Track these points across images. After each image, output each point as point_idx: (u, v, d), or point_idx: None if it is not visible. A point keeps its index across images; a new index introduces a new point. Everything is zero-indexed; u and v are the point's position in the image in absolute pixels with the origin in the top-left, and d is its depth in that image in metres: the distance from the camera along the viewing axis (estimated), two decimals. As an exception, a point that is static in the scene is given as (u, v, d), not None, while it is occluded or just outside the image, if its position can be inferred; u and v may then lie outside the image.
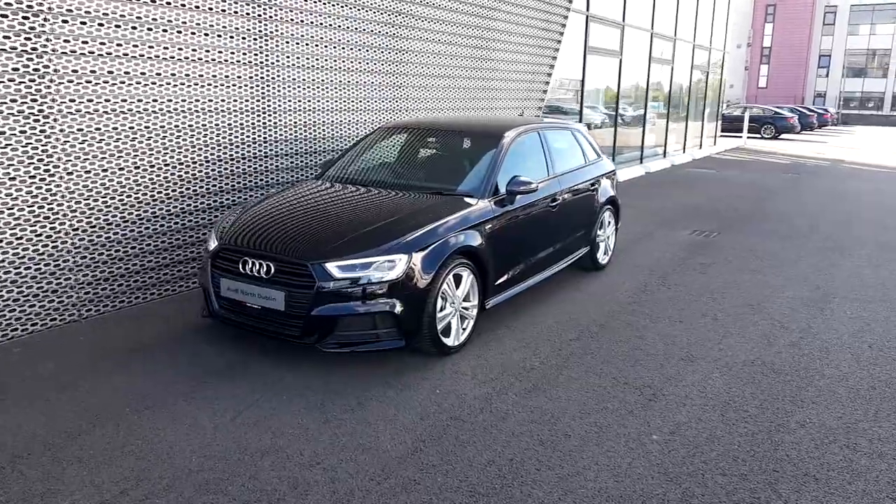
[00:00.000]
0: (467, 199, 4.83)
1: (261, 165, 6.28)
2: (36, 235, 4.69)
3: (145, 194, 5.35)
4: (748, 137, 28.26)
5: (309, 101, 6.64)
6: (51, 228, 4.78)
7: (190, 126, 5.58)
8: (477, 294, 4.70)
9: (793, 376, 4.30)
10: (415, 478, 3.13)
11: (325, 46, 6.73)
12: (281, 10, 6.18)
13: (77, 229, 4.94)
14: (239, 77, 5.89)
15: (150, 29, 5.14)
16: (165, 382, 4.04)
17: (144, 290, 5.46)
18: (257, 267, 4.18)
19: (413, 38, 7.95)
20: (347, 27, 6.95)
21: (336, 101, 6.96)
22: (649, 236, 8.49)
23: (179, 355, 4.44)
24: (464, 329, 4.61)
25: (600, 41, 14.07)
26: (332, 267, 4.05)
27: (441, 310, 4.33)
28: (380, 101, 7.60)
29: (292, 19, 6.32)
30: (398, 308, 4.10)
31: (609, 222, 6.84)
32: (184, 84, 5.47)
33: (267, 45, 6.10)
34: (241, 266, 4.26)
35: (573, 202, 5.97)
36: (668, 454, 3.36)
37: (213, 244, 4.55)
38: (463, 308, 4.56)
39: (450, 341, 4.47)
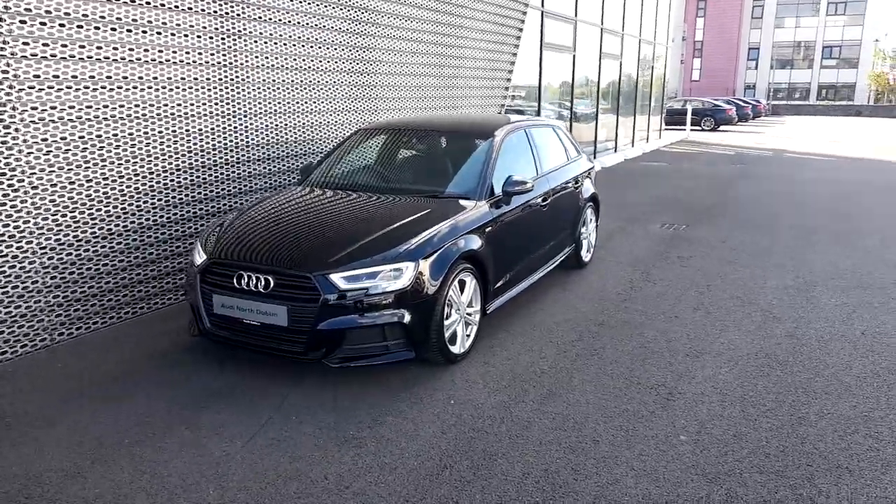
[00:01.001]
0: (464, 202, 4.70)
1: (233, 172, 6.00)
2: (1, 256, 4.34)
3: (115, 207, 5.03)
4: (690, 130, 28.96)
5: (279, 103, 6.39)
6: (17, 248, 4.44)
7: (160, 133, 5.28)
8: (479, 299, 4.58)
9: (798, 367, 4.33)
10: (451, 496, 3.00)
11: (294, 45, 6.49)
12: (248, 6, 5.93)
13: (45, 248, 4.60)
14: (207, 79, 5.61)
15: (113, 29, 4.83)
16: (162, 409, 3.78)
17: (118, 310, 5.14)
18: (254, 281, 3.96)
19: (379, 35, 7.76)
20: (314, 25, 6.72)
21: (306, 103, 6.73)
22: (622, 231, 8.53)
23: (170, 379, 4.18)
24: (468, 336, 4.48)
25: (555, 37, 14.12)
26: (337, 278, 3.87)
27: (447, 317, 4.19)
28: (350, 102, 7.38)
29: (259, 17, 6.06)
30: (407, 318, 3.95)
31: (591, 219, 6.82)
32: (151, 88, 5.16)
33: (235, 44, 5.83)
34: (235, 281, 4.02)
35: (560, 200, 5.91)
36: (700, 454, 3.31)
37: (199, 258, 4.30)
38: (467, 314, 4.44)
39: (456, 349, 4.34)
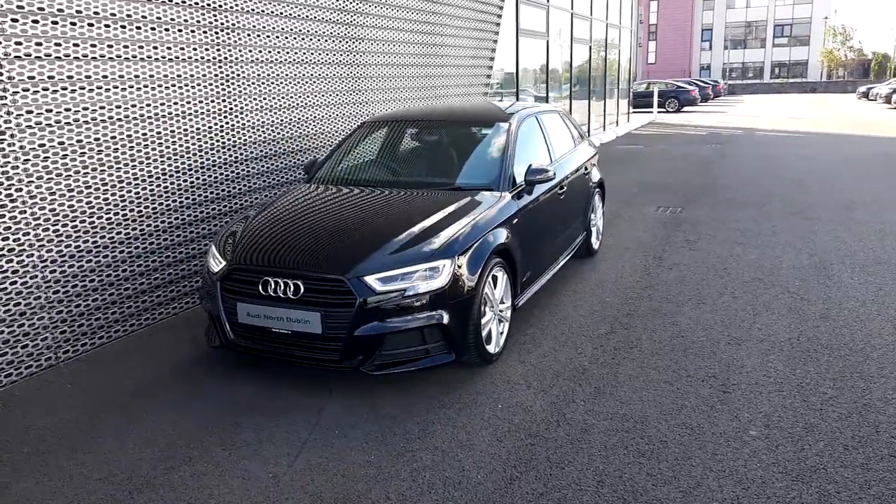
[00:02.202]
0: (487, 193, 4.47)
1: (232, 172, 5.66)
2: (0, 272, 3.98)
3: (117, 214, 4.67)
4: (650, 111, 29.10)
5: (273, 98, 6.05)
6: (18, 262, 4.07)
7: (158, 134, 4.92)
8: (510, 295, 4.36)
9: (845, 350, 4.22)
10: (529, 512, 2.78)
11: (286, 38, 6.15)
12: (241, -3, 5.57)
13: (46, 261, 4.23)
14: (203, 76, 5.25)
15: (107, 26, 4.45)
16: (190, 428, 3.48)
17: (124, 322, 4.79)
18: (282, 287, 3.66)
19: (365, 25, 7.43)
20: (302, 16, 6.37)
21: (298, 98, 6.39)
22: (619, 216, 8.39)
23: (192, 395, 3.87)
24: (501, 333, 4.26)
25: (530, 23, 13.91)
26: (372, 280, 3.60)
27: (483, 315, 3.96)
28: (340, 95, 7.05)
29: (251, 9, 5.71)
30: (446, 318, 3.71)
31: (598, 206, 6.65)
32: (148, 87, 4.80)
33: (228, 38, 5.47)
34: (261, 287, 3.72)
35: (574, 187, 5.72)
36: (776, 450, 3.15)
37: (218, 265, 3.98)
38: (500, 311, 4.21)
39: (492, 348, 4.12)
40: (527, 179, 4.69)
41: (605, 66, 20.87)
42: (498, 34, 11.21)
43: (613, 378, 3.95)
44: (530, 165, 4.75)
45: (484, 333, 3.98)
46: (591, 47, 18.92)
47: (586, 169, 6.21)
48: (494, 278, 4.12)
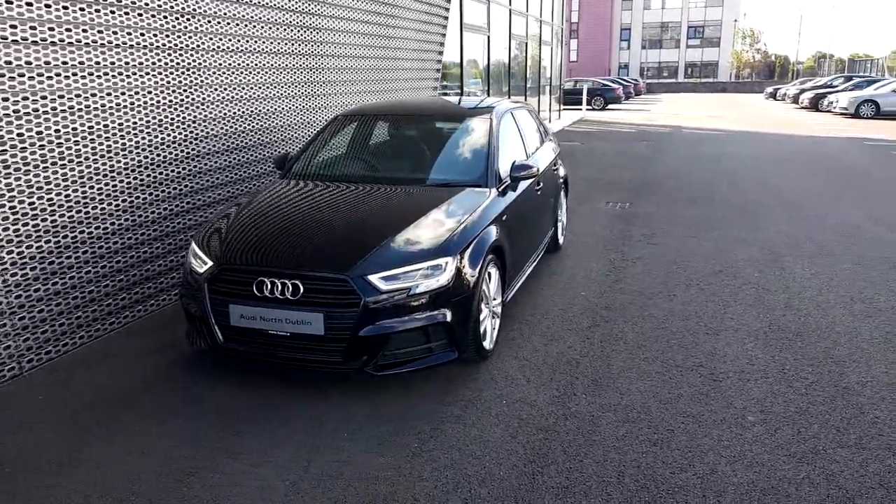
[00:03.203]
0: (476, 189, 4.48)
1: (194, 167, 5.44)
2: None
3: (79, 212, 4.41)
4: (579, 109, 29.83)
5: (235, 89, 5.85)
6: (-21, 265, 3.79)
7: (125, 124, 4.68)
8: (500, 291, 4.39)
9: (814, 337, 4.46)
10: (558, 506, 2.81)
11: (245, 25, 5.95)
12: (206, -14, 5.35)
13: (5, 262, 3.95)
14: (160, 64, 5.01)
15: (82, 8, 4.20)
16: (189, 438, 3.34)
17: (88, 327, 4.54)
18: (279, 287, 3.56)
19: (323, 14, 7.27)
20: (263, 3, 6.18)
21: (260, 88, 6.20)
22: (572, 211, 8.54)
23: (180, 402, 3.71)
24: (493, 329, 4.29)
25: (473, 18, 13.98)
26: (376, 279, 3.55)
27: (480, 312, 3.97)
28: (296, 87, 6.88)
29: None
30: (449, 316, 3.69)
31: (563, 201, 6.77)
32: (116, 75, 4.56)
33: (190, 24, 5.25)
34: (255, 288, 3.60)
35: (546, 183, 5.80)
36: (777, 435, 3.30)
37: (202, 265, 3.83)
38: (493, 307, 4.24)
39: (487, 345, 4.14)
40: (512, 175, 4.72)
41: (539, 63, 21.23)
42: (446, 28, 11.22)
43: (607, 370, 4.04)
44: (515, 161, 4.80)
45: (481, 330, 4.00)
46: (526, 44, 19.20)
47: (555, 164, 6.31)
48: (489, 275, 4.13)
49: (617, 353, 4.27)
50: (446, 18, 11.22)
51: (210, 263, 3.79)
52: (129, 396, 3.78)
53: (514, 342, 4.46)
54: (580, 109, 28.66)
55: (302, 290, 3.54)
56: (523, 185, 4.93)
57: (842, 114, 25.30)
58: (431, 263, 3.67)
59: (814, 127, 21.39)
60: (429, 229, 3.91)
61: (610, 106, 33.56)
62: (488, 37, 15.27)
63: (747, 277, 5.73)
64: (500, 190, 4.60)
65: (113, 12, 4.51)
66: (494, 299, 4.26)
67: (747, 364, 4.09)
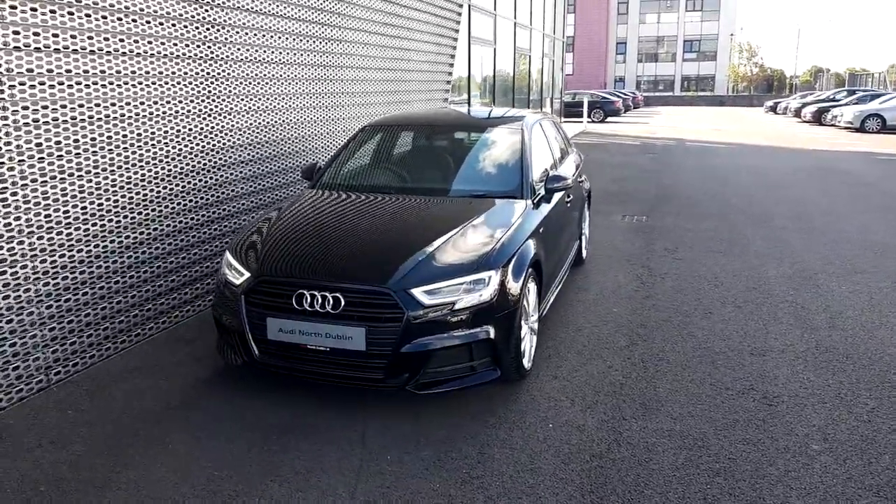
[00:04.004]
0: (513, 201, 4.30)
1: (221, 176, 5.23)
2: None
3: (110, 220, 4.24)
4: (581, 120, 29.76)
5: (259, 99, 5.66)
6: (11, 275, 3.58)
7: (153, 134, 4.48)
8: (537, 306, 4.19)
9: (865, 360, 4.28)
10: (626, 543, 2.61)
11: (271, 36, 5.77)
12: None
13: (38, 272, 3.75)
14: (185, 74, 4.82)
15: (88, 16, 4.01)
16: (228, 458, 3.14)
17: (115, 338, 4.34)
18: (319, 300, 3.36)
19: (338, 25, 7.09)
20: (283, 14, 6.00)
21: (279, 99, 6.01)
22: (590, 224, 8.37)
23: (218, 419, 3.51)
24: (531, 346, 4.09)
25: (480, 31, 13.86)
26: (419, 293, 3.35)
27: (521, 328, 3.78)
28: (315, 98, 6.69)
29: (239, 6, 5.32)
30: (492, 333, 3.50)
31: (586, 213, 6.59)
32: (139, 84, 4.36)
33: (216, 35, 5.06)
34: (295, 301, 3.40)
35: (574, 194, 5.62)
36: (847, 465, 3.11)
37: (238, 276, 3.63)
38: (531, 324, 4.04)
39: (526, 363, 3.94)
40: (547, 187, 4.55)
41: (542, 75, 21.17)
42: (457, 41, 11.09)
43: (654, 393, 3.84)
44: (549, 172, 4.63)
45: (521, 347, 3.80)
46: (529, 57, 19.12)
47: (580, 176, 6.13)
48: (528, 289, 3.94)
49: (662, 375, 4.07)
50: (457, 31, 11.08)
51: (247, 275, 3.59)
52: (163, 412, 3.58)
53: (550, 361, 4.26)
54: (581, 122, 28.58)
55: (343, 304, 3.34)
56: (556, 196, 4.75)
57: (846, 128, 25.28)
58: (474, 277, 3.48)
59: (820, 141, 21.33)
60: (469, 242, 3.73)
61: (609, 118, 33.52)
62: (494, 49, 15.16)
63: (783, 295, 5.55)
64: (534, 202, 4.42)
65: (134, 21, 4.32)
66: (532, 315, 4.08)
67: (800, 388, 3.89)
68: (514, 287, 3.62)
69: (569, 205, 5.25)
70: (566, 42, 26.97)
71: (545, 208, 4.49)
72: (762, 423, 3.50)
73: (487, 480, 2.99)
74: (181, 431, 3.38)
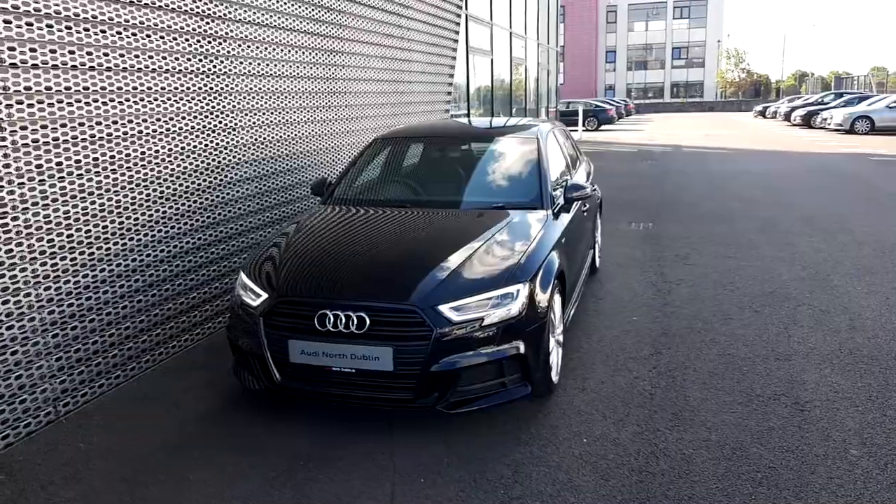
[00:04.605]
0: (534, 212, 4.27)
1: (228, 194, 5.19)
2: (-2, 316, 3.42)
3: (116, 243, 4.16)
4: (576, 129, 29.84)
5: (261, 114, 5.62)
6: (14, 304, 3.50)
7: (164, 150, 4.44)
8: (561, 318, 4.15)
9: (892, 361, 4.25)
10: (677, 559, 2.55)
11: (273, 49, 5.75)
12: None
13: (42, 299, 3.68)
14: (187, 89, 4.79)
15: (102, 31, 3.97)
16: (257, 489, 3.06)
17: (124, 366, 4.25)
18: (343, 320, 3.31)
19: (339, 37, 7.08)
20: (285, 26, 5.98)
21: (282, 113, 5.98)
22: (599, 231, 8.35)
23: (241, 447, 3.43)
24: (558, 359, 4.04)
25: (477, 41, 13.90)
26: (447, 309, 3.30)
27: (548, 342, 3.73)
28: (320, 111, 6.66)
29: (241, 19, 5.29)
30: (522, 348, 3.45)
31: (598, 223, 6.57)
32: (143, 99, 4.32)
33: (219, 48, 5.03)
34: (317, 322, 3.34)
35: (589, 203, 5.59)
36: (887, 470, 3.07)
37: (255, 298, 3.57)
38: (557, 336, 4.00)
39: (554, 376, 3.89)
40: (566, 196, 4.52)
41: (538, 84, 21.23)
42: (455, 51, 11.10)
43: (685, 403, 3.80)
44: (567, 181, 4.59)
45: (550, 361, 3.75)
46: (525, 67, 19.18)
47: (594, 184, 6.11)
48: (554, 301, 3.90)
49: (690, 384, 4.03)
50: (456, 41, 11.10)
51: (265, 296, 3.53)
52: (181, 442, 3.50)
53: (575, 373, 4.22)
54: (577, 130, 28.66)
55: (368, 323, 3.28)
56: (575, 206, 4.72)
57: (836, 129, 25.42)
58: (502, 291, 3.44)
59: (812, 143, 21.44)
60: (494, 255, 3.69)
61: (603, 126, 33.63)
62: (492, 59, 15.20)
63: (800, 298, 5.53)
64: (554, 212, 4.38)
65: (134, 35, 4.28)
66: (558, 327, 4.03)
67: (831, 392, 3.86)
68: (542, 300, 3.58)
69: (585, 213, 5.22)
70: (558, 51, 27.13)
71: (565, 218, 4.46)
72: (797, 429, 3.46)
73: (528, 501, 2.94)
74: (205, 463, 3.30)
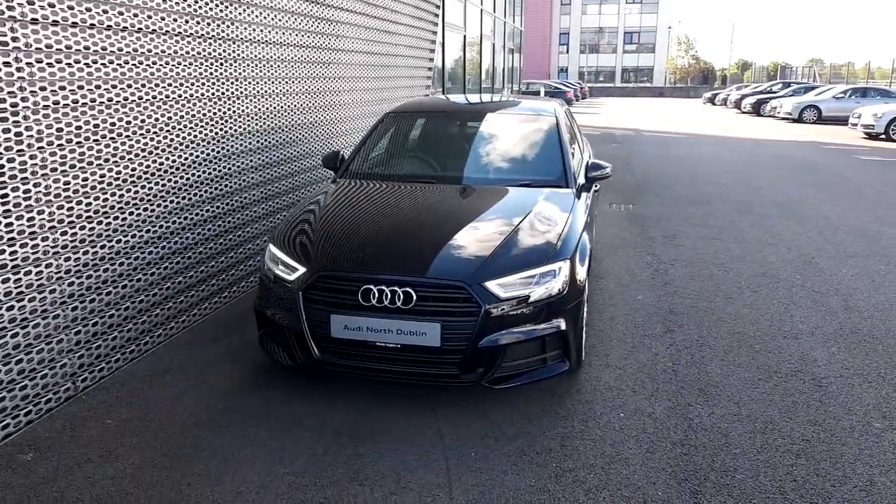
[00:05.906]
0: (560, 190, 4.30)
1: (232, 166, 5.05)
2: (14, 287, 3.27)
3: (131, 213, 4.01)
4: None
5: (266, 82, 5.47)
6: (36, 274, 3.36)
7: (179, 119, 4.28)
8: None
9: (892, 340, 4.47)
10: (738, 527, 2.66)
11: (275, 30, 5.60)
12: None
13: (62, 270, 3.53)
14: (198, 53, 4.63)
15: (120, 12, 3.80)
16: (304, 464, 3.04)
17: (138, 340, 4.13)
18: (388, 295, 3.28)
19: (327, 18, 6.92)
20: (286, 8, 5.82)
21: (285, 83, 5.83)
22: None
23: (280, 421, 3.39)
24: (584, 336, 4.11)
25: (451, 17, 13.80)
26: (494, 286, 3.32)
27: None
28: (308, 82, 6.51)
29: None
30: (564, 325, 3.50)
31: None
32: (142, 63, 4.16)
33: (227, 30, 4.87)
34: (361, 296, 3.31)
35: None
36: (913, 442, 3.25)
37: (291, 272, 3.51)
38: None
39: (583, 353, 3.95)
40: (588, 175, 4.57)
41: (504, 64, 21.24)
42: (436, 29, 10.99)
43: (708, 378, 3.92)
44: (589, 160, 4.64)
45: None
46: (493, 44, 19.16)
47: (594, 166, 6.18)
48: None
49: (708, 360, 4.16)
50: (437, 17, 10.99)
51: (302, 270, 3.47)
52: (211, 418, 3.43)
53: (595, 350, 4.30)
54: (536, 111, 28.83)
55: (415, 299, 3.27)
56: (595, 185, 4.77)
57: (785, 118, 26.29)
58: (545, 269, 3.47)
59: (764, 130, 22.13)
60: (534, 233, 3.71)
61: (561, 108, 33.89)
62: (465, 36, 15.13)
63: (792, 279, 5.74)
64: (576, 190, 4.43)
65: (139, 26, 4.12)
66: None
67: (842, 368, 4.04)
68: (581, 277, 3.63)
69: (597, 193, 5.29)
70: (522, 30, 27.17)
71: (586, 197, 4.51)
72: (820, 403, 3.62)
73: (581, 474, 3.00)
74: (243, 438, 3.25)
